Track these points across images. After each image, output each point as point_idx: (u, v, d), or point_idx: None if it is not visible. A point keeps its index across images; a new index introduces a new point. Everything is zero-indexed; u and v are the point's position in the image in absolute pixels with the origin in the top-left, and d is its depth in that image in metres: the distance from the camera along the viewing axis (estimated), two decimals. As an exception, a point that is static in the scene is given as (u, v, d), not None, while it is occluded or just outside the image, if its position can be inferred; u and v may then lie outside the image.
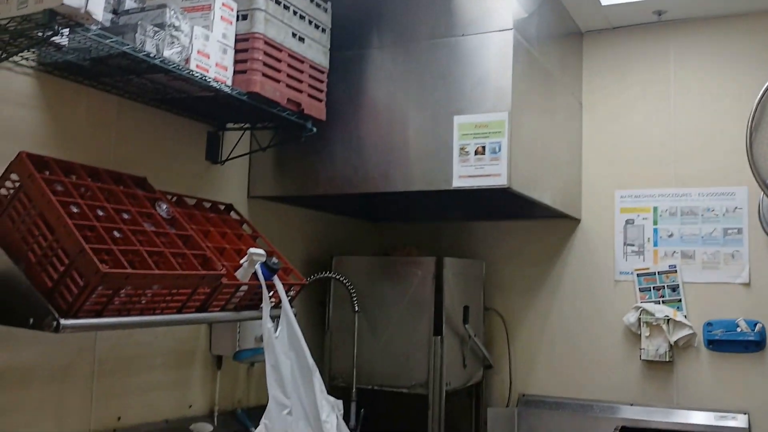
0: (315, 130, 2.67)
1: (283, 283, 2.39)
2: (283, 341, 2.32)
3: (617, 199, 3.55)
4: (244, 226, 2.68)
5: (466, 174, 2.60)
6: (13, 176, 1.88)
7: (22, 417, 2.07)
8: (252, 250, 2.30)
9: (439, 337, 3.06)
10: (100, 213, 1.96)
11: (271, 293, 2.35)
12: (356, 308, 2.95)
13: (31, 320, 1.74)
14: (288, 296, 2.41)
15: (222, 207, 2.67)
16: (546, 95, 3.11)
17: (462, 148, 2.61)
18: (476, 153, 2.58)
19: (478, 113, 2.61)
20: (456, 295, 3.20)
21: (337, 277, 3.04)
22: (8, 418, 2.03)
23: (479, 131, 2.58)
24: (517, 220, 3.70)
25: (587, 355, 3.51)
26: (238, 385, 2.92)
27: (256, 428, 2.17)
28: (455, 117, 2.65)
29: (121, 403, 2.40)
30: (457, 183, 2.61)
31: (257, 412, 2.89)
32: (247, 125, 2.82)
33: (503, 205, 3.24)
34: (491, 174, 2.56)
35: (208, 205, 2.60)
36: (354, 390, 2.89)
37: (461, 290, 3.26)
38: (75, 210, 1.88)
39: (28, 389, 2.10)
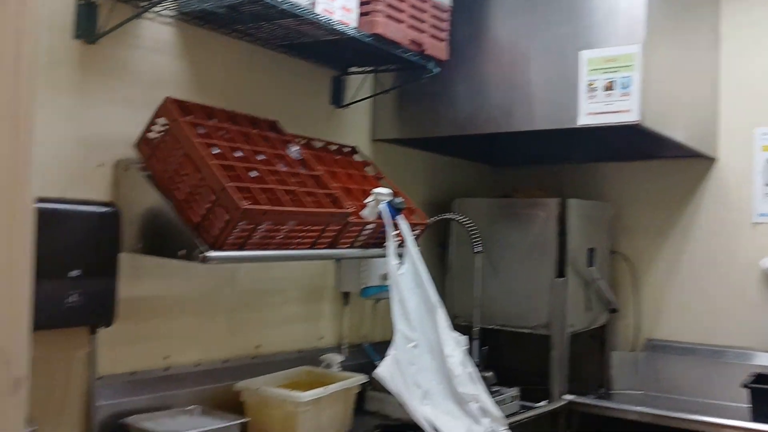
0: (437, 70, 2.67)
1: (407, 223, 2.44)
2: (407, 278, 2.39)
3: (757, 137, 3.31)
4: (368, 167, 2.75)
5: (593, 111, 2.52)
6: (161, 120, 2.02)
7: (173, 342, 2.28)
8: (377, 189, 2.37)
9: (563, 279, 3.03)
10: (238, 154, 2.08)
11: (396, 232, 2.41)
12: (478, 249, 2.97)
13: (182, 252, 1.90)
14: (412, 235, 2.47)
15: (347, 150, 2.75)
16: (680, 26, 2.93)
17: (589, 84, 2.53)
18: (605, 89, 2.49)
19: (607, 47, 2.51)
20: (580, 237, 3.15)
21: (459, 218, 3.06)
22: (161, 343, 2.24)
23: (608, 66, 2.49)
24: (647, 161, 3.55)
25: (720, 300, 3.36)
26: (363, 320, 3.04)
27: (380, 361, 2.27)
28: (582, 52, 2.56)
29: (259, 333, 2.57)
30: (584, 120, 2.54)
31: (382, 346, 3.00)
32: (369, 68, 2.86)
33: (632, 144, 3.12)
34: (621, 110, 2.47)
35: (333, 147, 2.68)
36: (476, 329, 2.94)
37: (586, 232, 3.20)
38: (216, 151, 2.00)
39: (178, 317, 2.30)
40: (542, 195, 3.39)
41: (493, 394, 2.56)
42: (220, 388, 2.32)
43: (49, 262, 1.73)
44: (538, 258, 3.08)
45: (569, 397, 3.00)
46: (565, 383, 3.03)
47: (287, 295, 2.72)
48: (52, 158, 1.94)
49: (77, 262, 1.82)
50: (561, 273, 3.04)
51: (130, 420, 2.01)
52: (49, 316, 1.75)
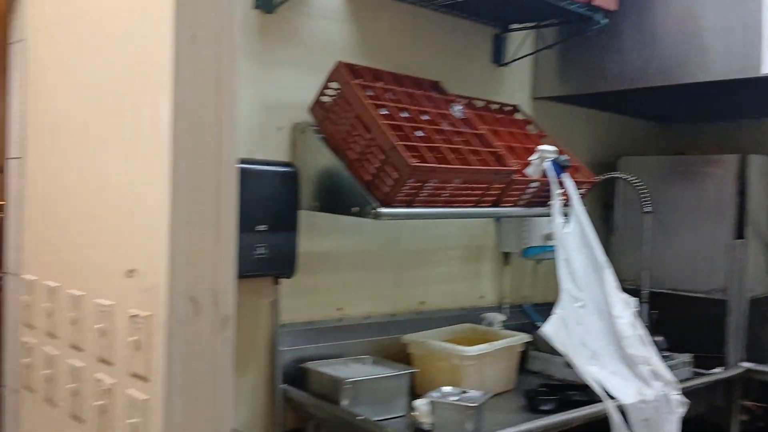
0: (605, 22, 2.56)
1: (572, 181, 2.39)
2: (573, 237, 2.35)
3: None
4: (530, 126, 2.71)
5: (782, 57, 2.31)
6: (333, 84, 2.12)
7: (345, 295, 2.41)
8: (542, 147, 2.34)
9: (742, 240, 2.83)
10: (405, 114, 2.14)
11: (561, 191, 2.37)
12: (647, 210, 2.84)
13: (355, 209, 2.00)
14: (578, 193, 2.42)
15: (508, 108, 2.73)
16: None
17: (778, 28, 2.31)
18: (797, 31, 2.27)
19: (800, -15, 2.28)
20: (762, 196, 2.92)
21: (627, 177, 2.94)
22: (335, 296, 2.38)
23: (801, 5, 2.26)
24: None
25: None
26: (524, 281, 3.03)
27: (542, 323, 2.26)
28: (770, -8, 2.34)
29: (423, 290, 2.65)
30: (771, 68, 2.34)
31: (543, 308, 2.99)
32: (531, 24, 2.80)
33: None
34: (815, 54, 2.25)
35: (494, 106, 2.67)
36: (645, 292, 2.83)
37: (768, 191, 2.96)
38: (384, 112, 2.07)
39: (350, 272, 2.42)
40: (718, 152, 3.17)
41: (664, 359, 2.47)
42: (388, 340, 2.43)
43: (241, 218, 1.88)
44: (714, 219, 2.90)
45: (747, 364, 2.83)
46: (742, 350, 2.86)
47: (449, 254, 2.77)
48: (240, 122, 2.10)
49: (263, 218, 1.97)
50: (740, 234, 2.85)
51: (310, 365, 2.16)
52: (240, 266, 1.91)
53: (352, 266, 2.43)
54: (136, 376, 1.27)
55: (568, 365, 2.28)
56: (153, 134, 1.24)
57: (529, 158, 2.35)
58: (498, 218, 2.79)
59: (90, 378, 1.42)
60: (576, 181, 2.43)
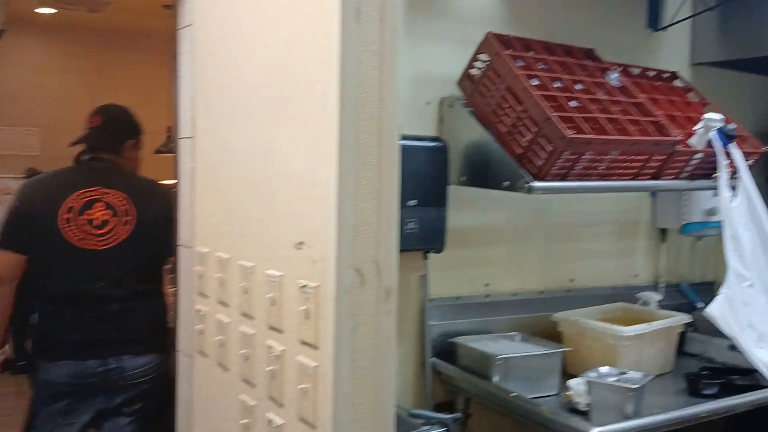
0: (779, -24, 2.33)
1: (739, 151, 2.22)
2: (741, 211, 2.18)
3: None
4: (691, 93, 2.54)
5: None
6: (482, 56, 2.08)
7: (492, 271, 2.39)
8: (708, 115, 2.18)
9: None
10: (557, 84, 2.06)
11: (727, 162, 2.21)
12: (824, 181, 2.58)
13: (506, 183, 1.96)
14: (746, 164, 2.24)
15: (666, 75, 2.56)
16: None
17: None
18: None
19: None
20: None
21: (800, 146, 2.68)
22: (482, 271, 2.37)
23: None
24: None
25: None
26: (681, 259, 2.86)
27: (702, 303, 2.13)
28: None
29: (572, 267, 2.58)
30: None
31: (703, 288, 2.82)
32: (692, -16, 2.61)
33: None
34: None
35: (651, 73, 2.52)
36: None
37: None
38: (536, 82, 2.01)
39: (497, 248, 2.40)
40: None
41: (844, 344, 2.25)
42: (536, 317, 2.38)
43: (394, 192, 1.92)
44: None
45: None
46: None
47: (599, 229, 2.66)
48: (389, 98, 2.13)
49: (413, 193, 1.98)
50: None
51: (460, 340, 2.17)
52: (393, 241, 1.94)
53: (498, 241, 2.40)
54: (305, 343, 1.33)
55: (732, 348, 2.14)
56: (320, 110, 1.27)
57: (694, 127, 2.20)
58: (653, 192, 2.64)
59: (261, 344, 1.50)
60: (744, 152, 2.25)
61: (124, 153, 2.40)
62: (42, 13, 6.66)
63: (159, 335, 2.36)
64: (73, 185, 2.28)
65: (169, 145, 6.48)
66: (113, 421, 2.31)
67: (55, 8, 6.52)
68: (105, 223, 2.25)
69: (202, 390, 1.86)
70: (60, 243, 2.21)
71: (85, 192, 2.27)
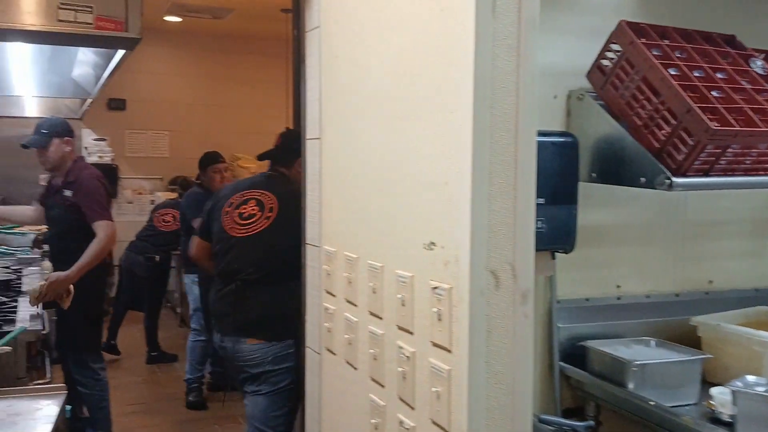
0: None
1: None
2: None
3: None
4: None
5: None
6: (614, 46, 1.98)
7: (624, 271, 2.28)
8: None
9: None
10: (698, 73, 1.93)
11: None
12: None
13: (643, 179, 1.86)
14: None
15: (818, 59, 2.34)
16: None
17: None
18: None
19: None
20: None
21: None
22: (612, 271, 2.26)
23: None
24: None
25: None
26: (835, 260, 2.62)
27: None
28: None
29: (710, 267, 2.41)
30: None
31: None
32: None
33: None
34: None
35: (801, 58, 2.31)
36: None
37: None
38: (674, 72, 1.89)
39: (628, 247, 2.28)
40: None
41: None
42: (672, 322, 2.25)
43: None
44: None
45: None
46: None
47: (739, 227, 2.48)
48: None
49: (541, 191, 1.89)
50: None
51: (590, 344, 2.08)
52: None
53: (630, 240, 2.29)
54: (437, 346, 1.31)
55: None
56: (453, 107, 1.24)
57: None
58: (803, 187, 2.43)
59: (390, 344, 1.49)
60: None
61: (294, 168, 2.69)
62: (169, 22, 7.06)
63: (277, 323, 2.59)
64: (242, 188, 2.81)
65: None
66: (246, 396, 2.71)
67: (181, 17, 6.88)
68: (251, 216, 2.69)
69: (331, 386, 1.89)
70: (219, 230, 2.74)
71: (246, 192, 2.77)
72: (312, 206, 1.98)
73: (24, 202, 5.91)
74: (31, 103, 6.40)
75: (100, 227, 3.39)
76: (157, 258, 5.41)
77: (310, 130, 1.96)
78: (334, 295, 1.82)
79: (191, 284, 4.77)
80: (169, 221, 5.45)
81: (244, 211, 2.72)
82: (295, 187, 2.60)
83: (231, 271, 2.68)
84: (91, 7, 2.30)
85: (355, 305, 1.69)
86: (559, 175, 1.97)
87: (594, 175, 2.05)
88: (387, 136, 1.50)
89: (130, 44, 2.55)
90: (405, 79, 1.42)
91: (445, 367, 1.28)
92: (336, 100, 1.80)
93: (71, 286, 3.34)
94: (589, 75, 2.07)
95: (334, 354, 1.83)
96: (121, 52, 2.92)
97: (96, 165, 5.20)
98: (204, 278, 4.47)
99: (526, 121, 1.25)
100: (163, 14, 6.78)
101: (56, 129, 3.56)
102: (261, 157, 2.96)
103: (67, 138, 3.57)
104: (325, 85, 1.87)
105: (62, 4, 2.27)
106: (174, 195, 7.64)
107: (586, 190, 2.11)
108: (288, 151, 2.70)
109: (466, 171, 1.21)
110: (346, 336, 1.73)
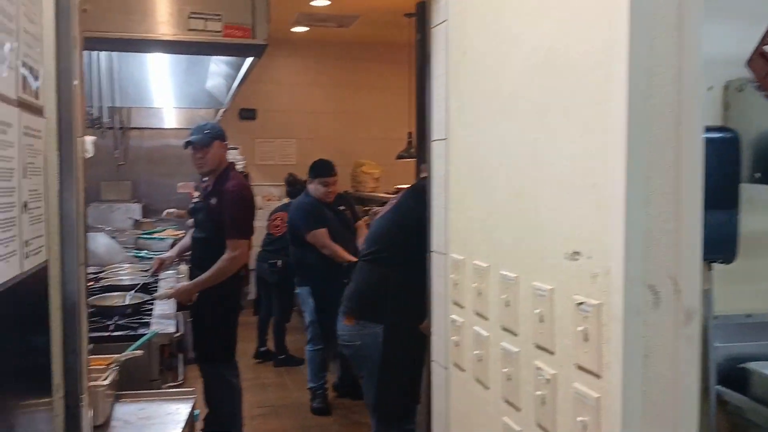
0: None
1: None
2: None
3: None
4: None
5: None
6: (783, 28, 1.74)
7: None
8: None
9: None
10: None
11: None
12: None
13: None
14: None
15: None
16: None
17: None
18: None
19: None
20: None
21: None
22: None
23: None
24: None
25: None
26: None
27: None
28: None
29: None
30: None
31: None
32: None
33: None
34: None
35: None
36: None
37: None
38: None
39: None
40: None
41: None
42: None
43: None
44: None
45: None
46: None
47: None
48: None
49: (697, 193, 1.70)
50: None
51: (752, 366, 1.84)
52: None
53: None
54: (583, 369, 1.16)
55: None
56: (601, 100, 1.09)
57: None
58: None
59: (527, 364, 1.35)
60: None
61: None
62: (296, 32, 7.22)
63: (367, 303, 2.77)
64: None
65: (410, 150, 6.65)
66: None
67: (307, 26, 7.02)
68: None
69: (459, 405, 1.77)
70: None
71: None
72: (437, 211, 1.87)
73: (163, 208, 6.26)
74: (170, 114, 6.78)
75: (230, 245, 3.40)
76: (279, 263, 5.38)
77: (436, 131, 1.86)
78: (462, 307, 1.70)
79: (306, 296, 4.69)
80: (278, 225, 5.42)
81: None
82: (419, 184, 2.77)
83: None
84: (219, 16, 2.33)
85: (486, 318, 1.56)
86: (718, 175, 1.75)
87: (758, 175, 1.81)
88: (524, 134, 1.36)
89: (257, 51, 2.56)
90: (545, 70, 1.28)
91: (594, 394, 1.13)
92: (464, 98, 1.68)
93: (195, 295, 3.45)
94: (750, 63, 1.83)
95: (463, 370, 1.71)
96: (249, 60, 2.95)
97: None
98: (318, 290, 4.48)
99: (690, 114, 1.08)
100: (291, 25, 6.95)
101: (217, 131, 3.60)
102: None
103: (224, 142, 3.62)
104: (451, 83, 1.76)
105: (193, 13, 2.31)
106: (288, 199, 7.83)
107: (749, 192, 1.87)
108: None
109: (619, 170, 1.06)
110: (476, 352, 1.60)
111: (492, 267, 1.52)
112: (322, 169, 4.60)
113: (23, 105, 1.07)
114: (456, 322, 1.74)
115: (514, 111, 1.40)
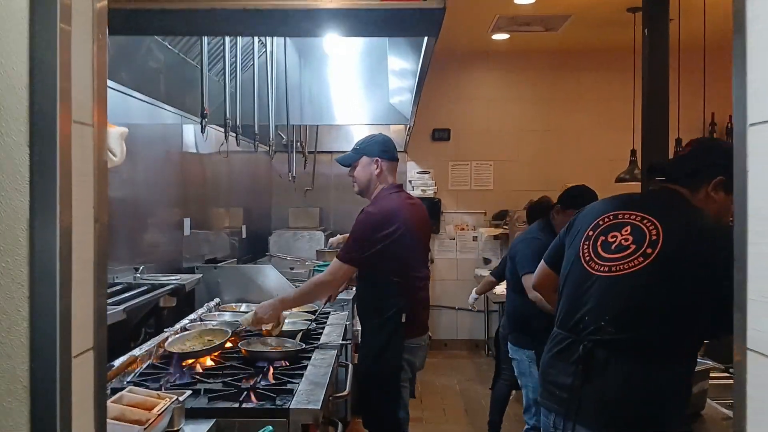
0: None
1: None
2: None
3: None
4: None
5: None
6: None
7: None
8: None
9: None
10: None
11: None
12: None
13: None
14: None
15: None
16: None
17: None
18: None
19: None
20: None
21: None
22: None
23: None
24: None
25: None
26: None
27: None
28: None
29: None
30: None
31: None
32: None
33: None
34: None
35: None
36: None
37: None
38: None
39: None
40: None
41: None
42: None
43: None
44: None
45: None
46: None
47: None
48: None
49: None
50: None
51: None
52: None
53: None
54: None
55: None
56: None
57: None
58: None
59: None
60: None
61: (705, 192, 2.01)
62: (496, 41, 6.40)
63: (637, 412, 1.87)
64: (615, 206, 2.09)
65: (633, 172, 5.45)
66: None
67: (509, 32, 6.17)
68: (622, 248, 1.96)
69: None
70: (574, 260, 2.08)
71: (620, 213, 2.04)
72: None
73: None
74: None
75: (330, 266, 2.95)
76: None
77: (756, 109, 0.92)
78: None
79: (528, 363, 3.47)
80: None
81: (613, 239, 1.99)
82: (702, 220, 1.96)
83: (578, 322, 1.97)
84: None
85: None
86: None
87: None
88: None
89: (431, 21, 1.82)
90: None
91: None
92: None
93: (282, 315, 3.01)
94: None
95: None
96: (425, 46, 2.21)
97: (420, 199, 4.57)
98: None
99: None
100: (490, 32, 6.16)
101: (367, 145, 3.00)
102: (651, 171, 2.38)
103: (377, 158, 2.95)
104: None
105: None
106: (497, 231, 6.92)
107: None
108: (698, 165, 2.03)
109: None
110: None
111: None
112: (582, 199, 3.29)
113: None
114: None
115: None
